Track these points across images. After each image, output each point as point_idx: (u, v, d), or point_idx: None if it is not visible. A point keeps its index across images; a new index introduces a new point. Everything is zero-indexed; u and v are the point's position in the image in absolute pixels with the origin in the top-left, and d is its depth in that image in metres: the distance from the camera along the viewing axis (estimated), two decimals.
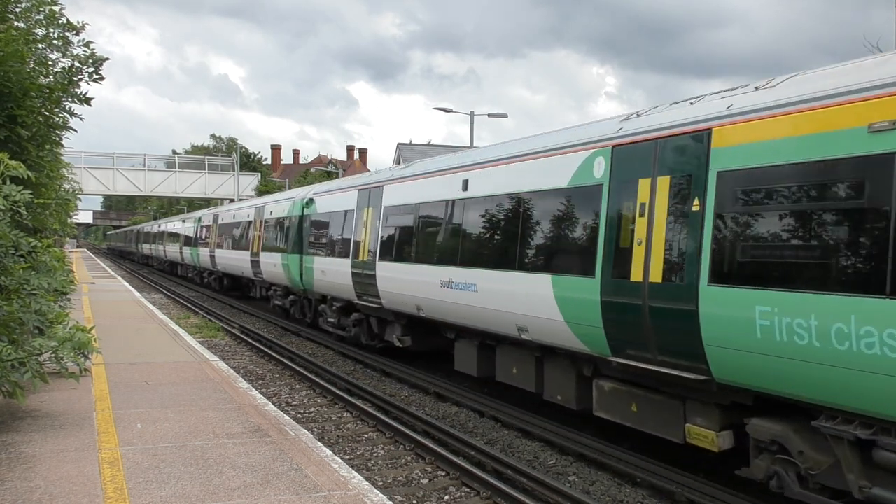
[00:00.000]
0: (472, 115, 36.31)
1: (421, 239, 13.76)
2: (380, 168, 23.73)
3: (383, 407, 12.46)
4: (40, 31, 10.75)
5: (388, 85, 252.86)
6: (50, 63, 10.72)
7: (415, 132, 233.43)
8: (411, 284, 13.84)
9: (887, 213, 5.99)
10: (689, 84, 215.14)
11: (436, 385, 13.91)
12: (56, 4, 10.64)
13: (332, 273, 18.13)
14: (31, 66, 10.04)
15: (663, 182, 8.20)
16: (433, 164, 14.47)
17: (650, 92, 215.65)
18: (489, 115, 37.76)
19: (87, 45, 10.51)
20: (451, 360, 13.73)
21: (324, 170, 63.00)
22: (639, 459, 9.23)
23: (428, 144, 54.83)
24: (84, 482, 6.45)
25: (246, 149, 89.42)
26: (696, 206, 7.70)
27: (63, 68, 10.53)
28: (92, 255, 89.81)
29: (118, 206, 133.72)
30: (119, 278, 41.45)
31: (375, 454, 10.04)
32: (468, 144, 35.89)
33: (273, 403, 10.75)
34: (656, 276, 8.11)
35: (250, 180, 66.60)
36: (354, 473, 7.01)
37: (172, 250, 47.84)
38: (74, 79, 10.42)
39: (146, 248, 63.96)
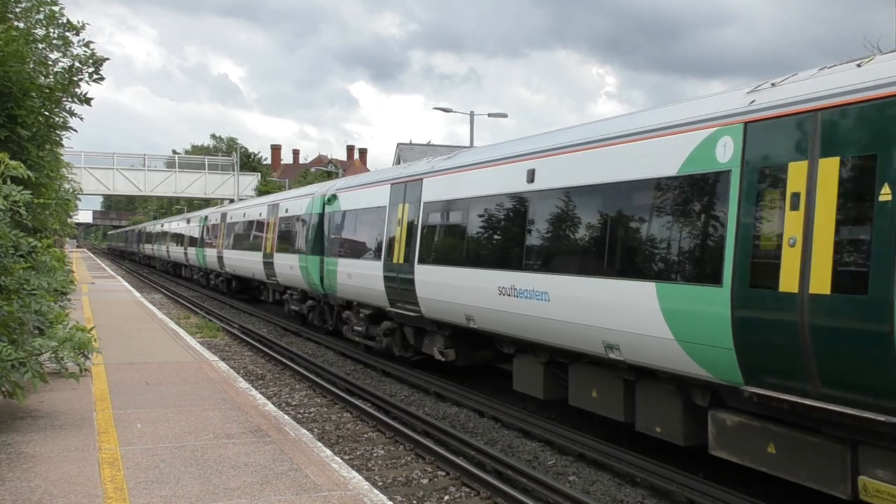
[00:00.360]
0: (472, 115, 36.34)
1: (472, 239, 12.08)
2: (380, 167, 23.42)
3: (383, 407, 12.45)
4: (40, 31, 10.75)
5: (388, 85, 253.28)
6: (50, 63, 10.73)
7: (415, 132, 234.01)
8: (460, 291, 12.21)
9: None
10: (689, 84, 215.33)
11: (436, 385, 13.89)
12: (56, 4, 10.65)
13: (359, 277, 16.48)
14: (32, 66, 10.04)
15: (829, 165, 6.49)
16: (485, 153, 12.74)
17: (650, 92, 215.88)
18: (489, 115, 37.80)
19: (87, 45, 10.54)
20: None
21: (324, 170, 63.01)
22: (639, 459, 9.21)
23: (428, 144, 54.87)
24: (84, 482, 6.45)
25: (246, 149, 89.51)
26: (885, 195, 6.06)
27: (63, 68, 10.55)
28: (92, 255, 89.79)
29: (118, 206, 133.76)
30: (119, 278, 41.46)
31: (375, 454, 10.04)
32: (468, 144, 35.89)
33: (273, 403, 10.75)
34: (821, 286, 6.41)
35: (250, 180, 66.62)
36: (354, 473, 7.01)
37: (176, 251, 46.18)
38: (74, 79, 10.44)
39: (148, 249, 63.14)
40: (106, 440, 7.80)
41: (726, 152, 7.45)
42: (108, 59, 10.56)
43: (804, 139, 6.74)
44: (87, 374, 9.56)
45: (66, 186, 19.36)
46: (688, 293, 7.70)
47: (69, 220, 25.35)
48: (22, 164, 7.63)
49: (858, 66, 6.70)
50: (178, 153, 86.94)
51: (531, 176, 10.56)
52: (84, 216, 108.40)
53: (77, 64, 10.45)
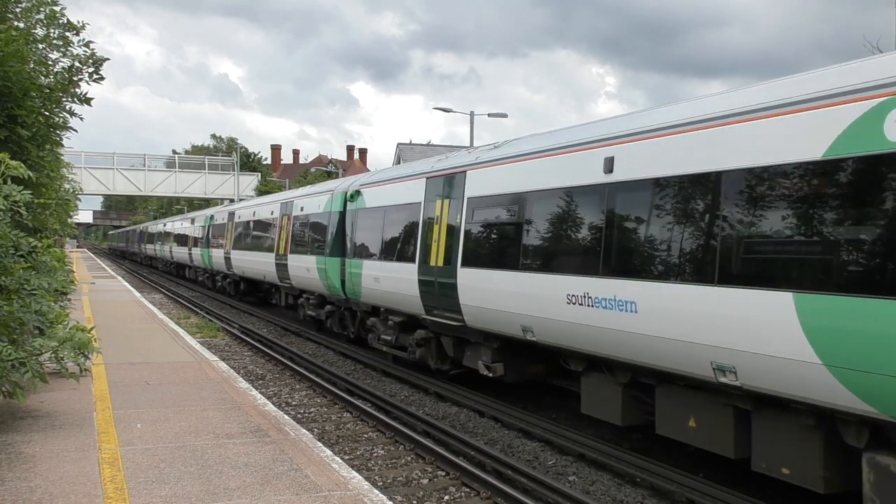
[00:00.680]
0: (472, 114, 36.35)
1: (532, 240, 10.59)
2: (380, 167, 23.03)
3: (383, 407, 12.45)
4: (40, 31, 10.77)
5: (388, 85, 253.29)
6: (50, 63, 10.75)
7: (415, 132, 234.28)
8: (515, 298, 10.77)
9: None
10: (689, 84, 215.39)
11: (436, 385, 13.90)
12: (56, 4, 10.66)
13: (388, 281, 14.95)
14: (32, 66, 10.05)
15: None
16: (545, 139, 11.04)
17: (650, 92, 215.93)
18: (489, 115, 37.82)
19: (87, 44, 10.56)
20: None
21: (324, 170, 63.03)
22: (639, 459, 9.21)
23: (428, 144, 54.90)
24: (84, 482, 6.45)
25: (246, 149, 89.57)
26: None
27: (63, 68, 10.57)
28: (92, 255, 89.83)
29: (118, 206, 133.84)
30: (119, 278, 41.48)
31: (375, 454, 10.05)
32: (468, 144, 35.90)
33: (273, 403, 10.75)
34: None
35: (250, 180, 66.66)
36: (354, 473, 7.01)
37: (180, 251, 44.52)
38: (74, 79, 10.46)
39: (150, 249, 62.03)
40: (106, 440, 7.81)
41: None
42: (108, 59, 10.59)
43: None
44: (87, 374, 9.56)
45: (67, 186, 19.40)
46: (844, 307, 6.16)
47: (69, 220, 25.41)
48: (22, 164, 7.64)
49: None
50: (178, 153, 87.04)
51: (609, 165, 9.12)
52: (84, 216, 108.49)
53: (77, 64, 10.47)
